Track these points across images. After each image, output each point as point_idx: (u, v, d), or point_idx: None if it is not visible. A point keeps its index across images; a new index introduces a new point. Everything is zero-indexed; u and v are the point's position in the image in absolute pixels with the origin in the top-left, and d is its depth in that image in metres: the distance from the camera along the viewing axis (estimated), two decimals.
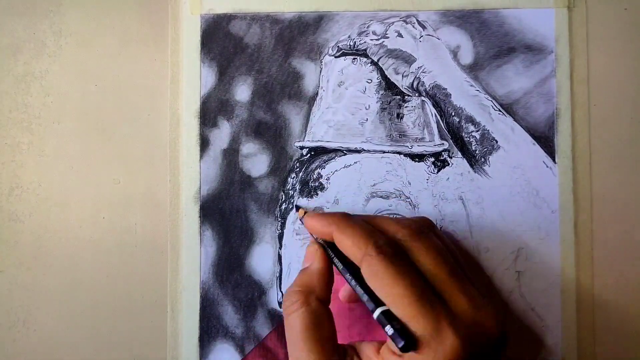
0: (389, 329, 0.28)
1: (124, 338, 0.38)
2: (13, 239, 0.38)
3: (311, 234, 0.34)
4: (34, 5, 0.39)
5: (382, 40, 0.38)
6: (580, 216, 0.37)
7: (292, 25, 0.39)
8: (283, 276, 0.38)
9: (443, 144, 0.38)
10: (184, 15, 0.39)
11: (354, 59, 0.39)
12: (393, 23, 0.39)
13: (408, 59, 0.38)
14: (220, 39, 0.39)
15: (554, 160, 0.37)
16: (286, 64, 0.39)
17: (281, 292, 0.38)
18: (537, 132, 0.37)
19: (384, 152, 0.38)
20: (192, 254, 0.38)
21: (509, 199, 0.37)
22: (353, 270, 0.31)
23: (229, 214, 0.38)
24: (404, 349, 0.27)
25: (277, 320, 0.38)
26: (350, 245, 0.30)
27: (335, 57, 0.39)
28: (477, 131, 0.38)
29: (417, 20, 0.38)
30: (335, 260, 0.32)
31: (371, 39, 0.39)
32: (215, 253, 0.38)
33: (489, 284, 0.37)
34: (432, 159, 0.38)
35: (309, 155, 0.38)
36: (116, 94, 0.39)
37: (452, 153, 0.38)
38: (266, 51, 0.39)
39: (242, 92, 0.39)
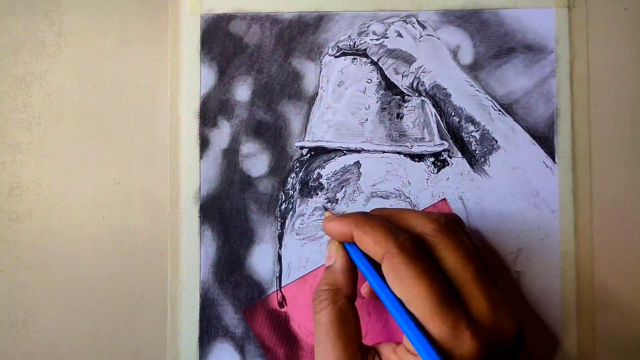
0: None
1: (124, 338, 0.38)
2: (13, 238, 0.38)
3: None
4: (34, 5, 0.39)
5: (382, 40, 0.38)
6: (580, 216, 0.37)
7: (292, 25, 0.39)
8: (283, 276, 0.38)
9: (443, 143, 0.38)
10: (184, 15, 0.39)
11: (354, 58, 0.39)
12: (393, 23, 0.39)
13: (408, 59, 0.38)
14: (220, 39, 0.39)
15: (553, 160, 0.37)
16: (286, 63, 0.39)
17: (281, 292, 0.38)
18: (537, 132, 0.37)
19: (384, 152, 0.38)
20: (192, 254, 0.38)
21: (509, 199, 0.37)
22: (375, 271, 0.30)
23: (228, 214, 0.38)
24: None
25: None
26: (371, 243, 0.30)
27: (335, 57, 0.39)
28: (477, 131, 0.38)
29: (417, 20, 0.38)
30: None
31: (371, 39, 0.39)
32: (215, 253, 0.38)
33: (511, 283, 0.36)
34: (432, 159, 0.38)
35: (309, 155, 0.38)
36: (116, 94, 0.39)
37: (452, 153, 0.38)
38: (266, 51, 0.39)
39: (242, 92, 0.39)
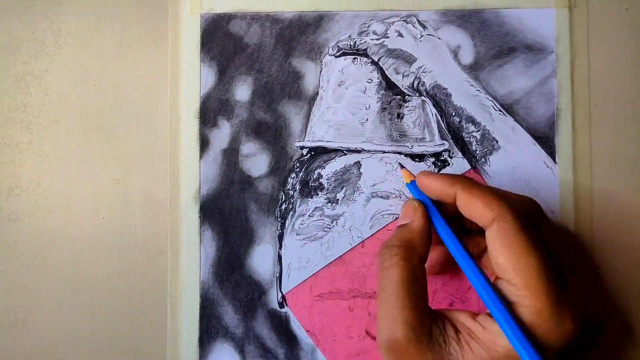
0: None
1: (124, 338, 0.38)
2: (13, 238, 0.38)
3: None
4: (33, 4, 0.39)
5: (383, 40, 0.38)
6: (581, 216, 0.37)
7: (292, 24, 0.39)
8: (283, 276, 0.38)
9: (443, 144, 0.38)
10: (184, 14, 0.39)
11: (355, 58, 0.39)
12: (393, 23, 0.38)
13: (408, 59, 0.38)
14: (220, 39, 0.39)
15: (554, 160, 0.37)
16: (286, 63, 0.39)
17: (281, 292, 0.38)
18: (538, 132, 0.37)
19: (384, 152, 0.38)
20: (191, 254, 0.38)
21: None
22: (459, 238, 0.30)
23: (228, 214, 0.38)
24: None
25: (277, 321, 0.38)
26: (480, 206, 0.28)
27: (336, 56, 0.39)
28: (478, 131, 0.38)
29: (418, 20, 0.38)
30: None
31: (371, 39, 0.38)
32: (215, 253, 0.38)
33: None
34: (433, 159, 0.38)
35: (309, 155, 0.38)
36: (116, 94, 0.39)
37: (453, 153, 0.38)
38: (266, 51, 0.39)
39: (242, 91, 0.38)
